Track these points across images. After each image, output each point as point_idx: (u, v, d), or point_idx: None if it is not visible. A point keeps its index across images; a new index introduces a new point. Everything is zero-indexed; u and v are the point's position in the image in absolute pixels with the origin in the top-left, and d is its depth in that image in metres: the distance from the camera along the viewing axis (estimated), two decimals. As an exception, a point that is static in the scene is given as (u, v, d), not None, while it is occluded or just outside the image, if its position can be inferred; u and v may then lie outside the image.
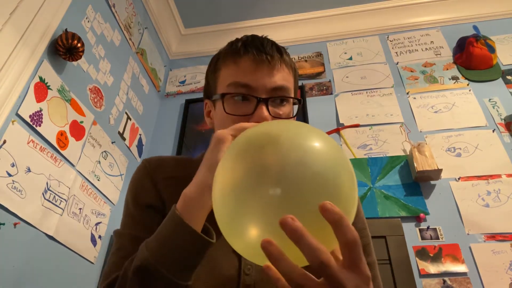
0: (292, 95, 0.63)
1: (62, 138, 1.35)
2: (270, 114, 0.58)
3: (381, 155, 1.83)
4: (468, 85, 1.99)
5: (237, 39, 0.65)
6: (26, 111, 1.19)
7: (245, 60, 0.60)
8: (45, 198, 1.23)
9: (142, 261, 0.47)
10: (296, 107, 0.66)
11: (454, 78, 2.04)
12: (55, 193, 1.28)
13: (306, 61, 2.34)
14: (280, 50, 0.64)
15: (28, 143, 1.19)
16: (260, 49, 0.61)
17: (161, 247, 0.47)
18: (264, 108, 0.58)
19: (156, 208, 0.63)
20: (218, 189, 0.40)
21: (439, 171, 1.64)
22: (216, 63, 0.66)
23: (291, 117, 0.62)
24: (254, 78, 0.59)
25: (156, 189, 0.64)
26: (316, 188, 0.35)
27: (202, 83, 2.36)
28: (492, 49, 2.02)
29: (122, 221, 0.64)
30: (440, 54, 2.17)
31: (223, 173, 0.40)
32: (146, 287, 0.47)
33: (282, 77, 0.61)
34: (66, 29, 1.40)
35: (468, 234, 1.54)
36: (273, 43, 0.64)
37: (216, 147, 0.48)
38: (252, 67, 0.60)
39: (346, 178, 0.38)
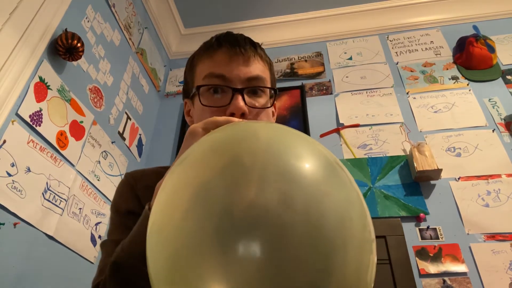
0: (269, 86, 0.63)
1: (62, 138, 1.35)
2: (246, 104, 0.57)
3: (381, 155, 1.83)
4: (468, 85, 1.99)
5: (211, 37, 0.65)
6: (26, 111, 1.19)
7: (219, 53, 0.60)
8: (45, 198, 1.23)
9: (115, 258, 0.48)
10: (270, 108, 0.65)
11: (454, 78, 2.04)
12: (55, 193, 1.28)
13: (306, 61, 2.34)
14: (254, 44, 0.63)
15: (28, 143, 1.19)
16: (233, 43, 0.61)
17: (132, 241, 0.48)
18: (240, 98, 0.57)
19: (137, 214, 0.62)
20: (155, 223, 0.29)
21: (439, 171, 1.64)
22: (192, 61, 0.66)
23: (267, 108, 0.62)
24: (229, 69, 0.59)
25: (137, 197, 0.64)
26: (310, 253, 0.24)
27: (202, 83, 2.36)
28: (492, 49, 2.02)
29: (107, 232, 0.66)
30: (440, 54, 2.17)
31: (165, 198, 0.29)
32: (122, 281, 0.47)
33: (257, 68, 0.61)
34: (66, 29, 1.40)
35: (468, 234, 1.54)
36: (246, 38, 0.64)
37: (187, 143, 0.46)
38: (226, 59, 0.60)
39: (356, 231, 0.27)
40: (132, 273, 0.47)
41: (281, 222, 0.23)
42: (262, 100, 0.61)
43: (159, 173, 0.69)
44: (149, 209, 0.47)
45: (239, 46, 0.60)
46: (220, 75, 0.59)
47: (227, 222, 0.24)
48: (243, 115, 0.56)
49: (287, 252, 0.23)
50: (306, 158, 0.28)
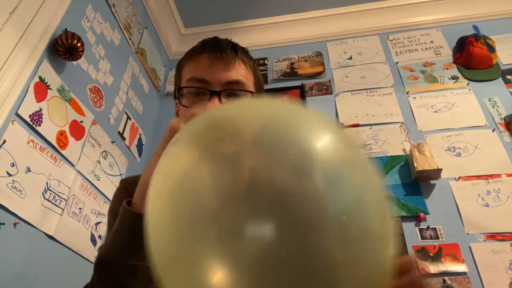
0: (249, 90, 0.65)
1: (62, 138, 1.35)
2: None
3: (381, 155, 1.83)
4: (468, 84, 1.99)
5: (199, 42, 0.68)
6: (26, 111, 1.19)
7: (202, 57, 0.64)
8: (45, 198, 1.23)
9: (99, 257, 0.50)
10: None
11: (454, 78, 2.04)
12: (55, 193, 1.28)
13: (306, 61, 2.34)
14: (235, 49, 0.66)
15: (28, 143, 1.19)
16: (215, 48, 0.64)
17: (112, 237, 0.50)
18: (216, 99, 0.60)
19: None
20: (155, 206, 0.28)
21: (439, 170, 1.64)
22: (179, 64, 0.70)
23: None
24: (209, 73, 0.62)
25: None
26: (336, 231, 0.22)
27: (202, 83, 2.36)
28: (492, 49, 2.02)
29: (105, 236, 0.68)
30: (440, 54, 2.17)
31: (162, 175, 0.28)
32: (108, 277, 0.49)
33: (237, 73, 0.63)
34: (66, 29, 1.40)
35: (468, 233, 1.54)
36: (230, 43, 0.67)
37: (166, 138, 0.48)
38: (208, 63, 0.63)
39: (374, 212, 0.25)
40: (116, 269, 0.47)
41: (296, 203, 0.22)
42: None
43: None
44: (127, 204, 0.50)
45: (221, 51, 0.63)
46: (201, 79, 0.62)
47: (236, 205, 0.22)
48: None
49: (299, 236, 0.21)
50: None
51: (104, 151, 1.64)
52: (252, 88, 0.66)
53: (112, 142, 1.72)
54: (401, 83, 2.09)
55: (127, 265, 0.47)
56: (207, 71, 0.62)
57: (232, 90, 0.62)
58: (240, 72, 0.64)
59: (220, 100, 0.60)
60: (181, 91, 0.64)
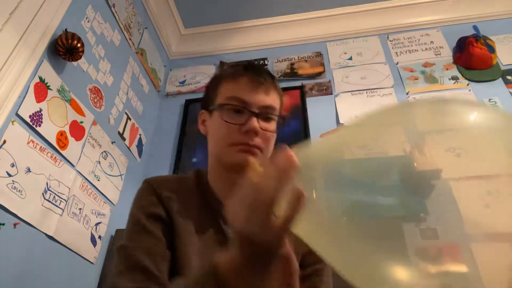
0: (279, 115, 0.75)
1: (62, 138, 1.35)
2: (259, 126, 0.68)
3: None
4: (468, 85, 1.99)
5: (236, 63, 0.78)
6: (26, 111, 1.19)
7: (244, 79, 0.71)
8: (45, 198, 1.23)
9: None
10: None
11: (454, 78, 2.04)
12: (55, 193, 1.28)
13: (306, 61, 2.34)
14: (273, 77, 0.75)
15: (28, 143, 1.19)
16: (257, 73, 0.72)
17: None
18: (255, 120, 0.68)
19: (162, 219, 0.67)
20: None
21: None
22: (217, 79, 0.77)
23: (273, 132, 0.72)
24: (250, 95, 0.70)
25: (161, 203, 0.69)
26: None
27: (202, 83, 2.36)
28: (492, 49, 2.02)
29: (130, 235, 0.65)
30: (440, 54, 2.17)
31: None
32: None
33: (272, 99, 0.72)
34: (66, 29, 1.40)
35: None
36: (267, 70, 0.77)
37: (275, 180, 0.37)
38: (249, 86, 0.71)
39: None
40: None
41: None
42: (271, 126, 0.72)
43: (182, 180, 0.76)
44: (211, 266, 0.42)
45: (261, 76, 0.71)
46: (241, 99, 0.69)
47: None
48: (255, 134, 0.67)
49: None
50: None
51: (104, 151, 1.64)
52: (278, 113, 0.74)
53: (112, 143, 1.72)
54: (401, 83, 2.09)
55: None
56: (248, 93, 0.70)
57: (267, 113, 0.70)
58: (274, 98, 0.73)
59: (258, 121, 0.68)
60: (223, 107, 0.70)
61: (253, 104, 0.69)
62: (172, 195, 0.70)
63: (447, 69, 2.09)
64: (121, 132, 1.83)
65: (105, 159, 1.64)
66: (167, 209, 0.68)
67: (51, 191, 1.27)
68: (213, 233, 0.68)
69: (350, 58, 2.28)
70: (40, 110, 1.26)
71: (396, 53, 2.23)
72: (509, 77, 1.96)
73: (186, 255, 0.63)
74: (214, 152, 0.73)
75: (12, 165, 1.11)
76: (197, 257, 0.63)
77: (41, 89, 1.28)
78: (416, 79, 2.09)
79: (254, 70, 0.73)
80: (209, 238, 0.67)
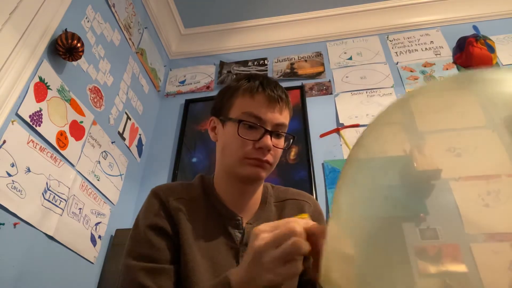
0: (289, 133, 0.79)
1: (62, 138, 1.35)
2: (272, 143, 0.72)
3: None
4: (468, 85, 1.99)
5: (253, 77, 0.78)
6: (26, 111, 1.19)
7: (260, 96, 0.74)
8: (45, 198, 1.23)
9: None
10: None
11: (454, 78, 2.04)
12: (55, 193, 1.28)
13: (306, 61, 2.34)
14: (286, 94, 0.78)
15: (28, 143, 1.19)
16: (273, 90, 0.74)
17: None
18: (268, 137, 0.71)
19: (169, 230, 0.70)
20: None
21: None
22: (233, 90, 0.78)
23: (284, 149, 0.76)
24: (266, 113, 0.73)
25: (170, 216, 0.71)
26: None
27: (202, 83, 2.36)
28: (492, 49, 2.02)
29: (133, 249, 0.68)
30: (440, 54, 2.17)
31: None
32: None
33: (284, 117, 0.76)
34: (66, 29, 1.40)
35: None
36: (281, 87, 0.78)
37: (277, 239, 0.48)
38: (265, 103, 0.73)
39: None
40: None
41: None
42: (281, 142, 0.76)
43: (188, 187, 0.79)
44: (227, 280, 0.50)
45: (277, 94, 0.74)
46: (258, 117, 0.72)
47: None
48: (268, 151, 0.71)
49: None
50: None
51: (104, 151, 1.64)
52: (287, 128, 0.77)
53: (112, 142, 1.72)
54: (401, 83, 2.09)
55: None
56: (264, 110, 0.73)
57: (279, 131, 0.74)
58: (286, 116, 0.76)
59: (271, 138, 0.71)
60: (240, 122, 0.72)
61: (268, 121, 0.72)
62: (180, 204, 0.73)
63: (447, 69, 2.09)
64: (121, 132, 1.83)
65: (105, 159, 1.64)
66: (174, 219, 0.70)
67: (51, 191, 1.27)
68: (222, 238, 0.72)
69: (350, 58, 2.28)
70: (40, 110, 1.26)
71: (396, 53, 2.23)
72: (509, 77, 1.96)
73: (193, 262, 0.66)
74: (224, 162, 0.76)
75: (12, 165, 1.11)
76: (205, 262, 0.67)
77: (41, 89, 1.28)
78: (416, 79, 2.09)
79: (270, 87, 0.75)
80: (217, 243, 0.71)
